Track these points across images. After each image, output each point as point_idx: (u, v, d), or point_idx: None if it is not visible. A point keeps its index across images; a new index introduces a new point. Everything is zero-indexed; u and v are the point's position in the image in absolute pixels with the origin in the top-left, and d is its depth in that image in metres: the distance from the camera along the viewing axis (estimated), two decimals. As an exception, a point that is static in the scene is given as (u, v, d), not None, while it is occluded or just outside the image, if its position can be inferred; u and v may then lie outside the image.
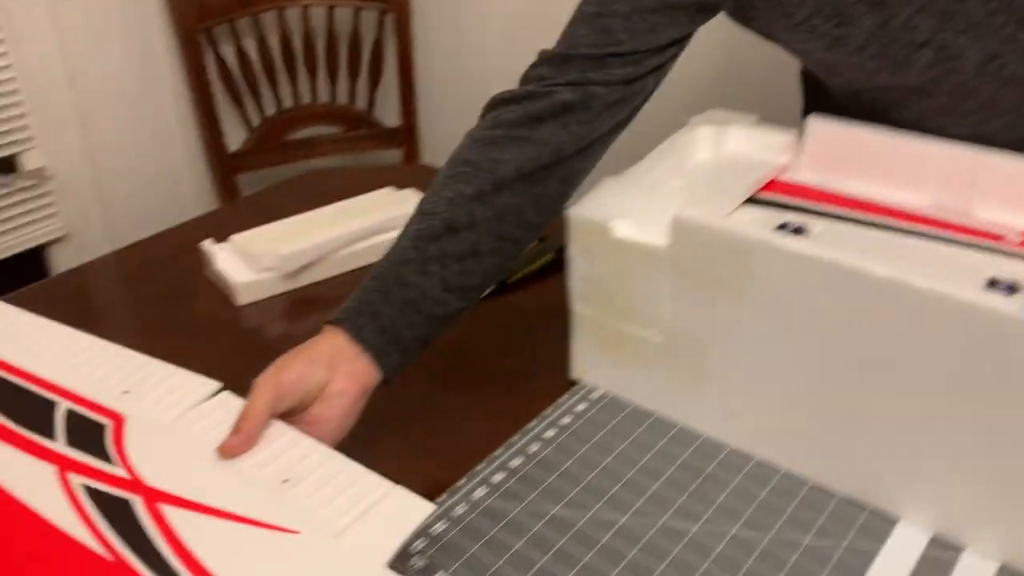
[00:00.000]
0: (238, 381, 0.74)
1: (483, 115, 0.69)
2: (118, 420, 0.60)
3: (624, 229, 0.63)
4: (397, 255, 0.65)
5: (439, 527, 0.59)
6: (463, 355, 0.77)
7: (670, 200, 0.65)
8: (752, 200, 0.69)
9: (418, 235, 0.64)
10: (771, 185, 0.71)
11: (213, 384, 0.63)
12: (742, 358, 0.61)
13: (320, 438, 0.59)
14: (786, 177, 0.72)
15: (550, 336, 0.78)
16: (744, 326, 0.60)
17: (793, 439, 0.62)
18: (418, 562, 0.56)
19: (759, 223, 0.63)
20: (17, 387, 0.64)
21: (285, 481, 0.55)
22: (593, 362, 0.71)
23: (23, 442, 0.59)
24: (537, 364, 0.76)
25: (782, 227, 0.63)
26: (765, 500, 0.60)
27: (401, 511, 0.53)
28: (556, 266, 0.90)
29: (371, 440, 0.63)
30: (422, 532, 0.58)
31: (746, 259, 0.57)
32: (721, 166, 0.74)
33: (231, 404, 0.60)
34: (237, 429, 0.57)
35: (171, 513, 0.53)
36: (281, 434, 0.58)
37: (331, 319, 0.63)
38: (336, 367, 0.61)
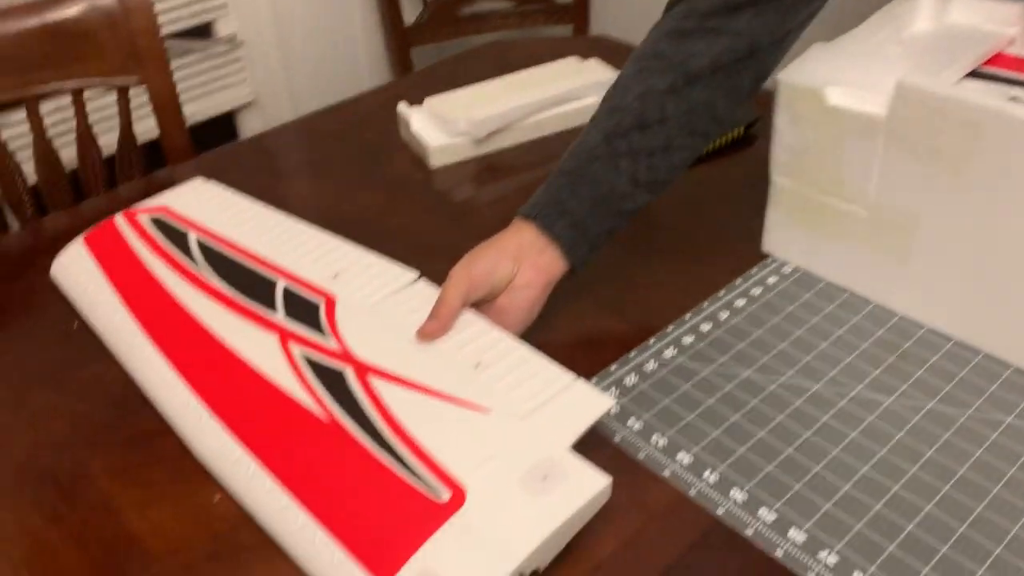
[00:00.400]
0: (431, 240, 0.79)
1: (670, 6, 0.67)
2: (329, 300, 0.65)
3: (838, 96, 0.62)
4: (586, 151, 0.65)
5: (630, 379, 0.62)
6: (654, 225, 0.78)
7: (887, 68, 0.62)
8: (975, 73, 0.65)
9: (608, 131, 0.64)
10: (997, 59, 0.67)
11: (412, 273, 0.67)
12: (955, 234, 0.59)
13: (507, 327, 0.62)
14: (1013, 51, 0.67)
15: (741, 209, 0.77)
16: (962, 201, 0.58)
17: (999, 322, 0.60)
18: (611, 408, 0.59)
19: (986, 96, 0.60)
20: (241, 265, 0.70)
21: (476, 365, 0.58)
22: (787, 236, 0.70)
23: (249, 313, 0.65)
24: (727, 236, 0.76)
25: (1013, 100, 0.59)
26: (965, 379, 0.60)
27: (582, 403, 0.56)
28: (746, 140, 0.89)
29: (564, 300, 0.66)
30: (615, 384, 0.61)
31: (975, 130, 0.55)
32: (942, 36, 0.69)
33: (428, 292, 0.63)
34: (434, 315, 0.60)
35: (378, 384, 0.58)
36: (473, 323, 0.62)
37: (520, 212, 0.65)
38: (524, 259, 0.63)
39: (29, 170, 0.97)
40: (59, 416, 0.61)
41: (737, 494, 0.53)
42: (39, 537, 0.53)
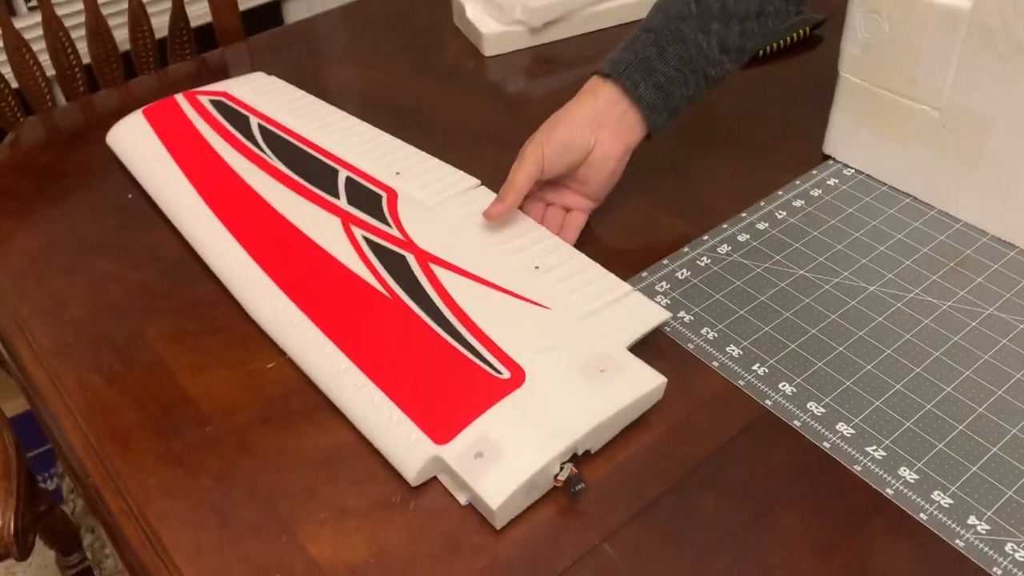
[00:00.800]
0: (483, 130, 0.77)
1: None
2: (392, 194, 0.65)
3: (919, -12, 0.59)
4: (675, 10, 0.62)
5: (682, 273, 0.61)
6: (713, 121, 0.76)
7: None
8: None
9: None
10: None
11: (473, 180, 0.66)
12: (1031, 138, 0.57)
13: (587, 196, 0.62)
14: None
15: (803, 111, 0.75)
16: (1043, 102, 0.55)
17: (1069, 231, 0.58)
18: (662, 300, 0.59)
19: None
20: (303, 151, 0.70)
21: (536, 268, 0.58)
22: (851, 137, 0.68)
23: (311, 195, 0.65)
24: (788, 137, 0.74)
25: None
26: (1027, 288, 0.58)
27: (638, 312, 0.55)
28: (811, 41, 0.86)
29: (619, 193, 0.65)
30: (667, 278, 0.61)
31: (1066, 24, 0.52)
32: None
33: (489, 198, 0.62)
34: (501, 197, 0.60)
35: (440, 272, 0.57)
36: (533, 228, 0.61)
37: (600, 71, 0.62)
38: (602, 126, 0.61)
39: (82, 49, 0.96)
40: (115, 283, 0.62)
41: (787, 387, 0.53)
42: (98, 393, 0.54)
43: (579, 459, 0.48)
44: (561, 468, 0.47)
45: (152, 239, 0.65)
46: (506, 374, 0.50)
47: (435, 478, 0.48)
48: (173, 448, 0.51)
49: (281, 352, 0.56)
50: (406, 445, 0.48)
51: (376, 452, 0.49)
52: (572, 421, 0.48)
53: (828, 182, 0.68)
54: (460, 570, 0.44)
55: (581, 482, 0.46)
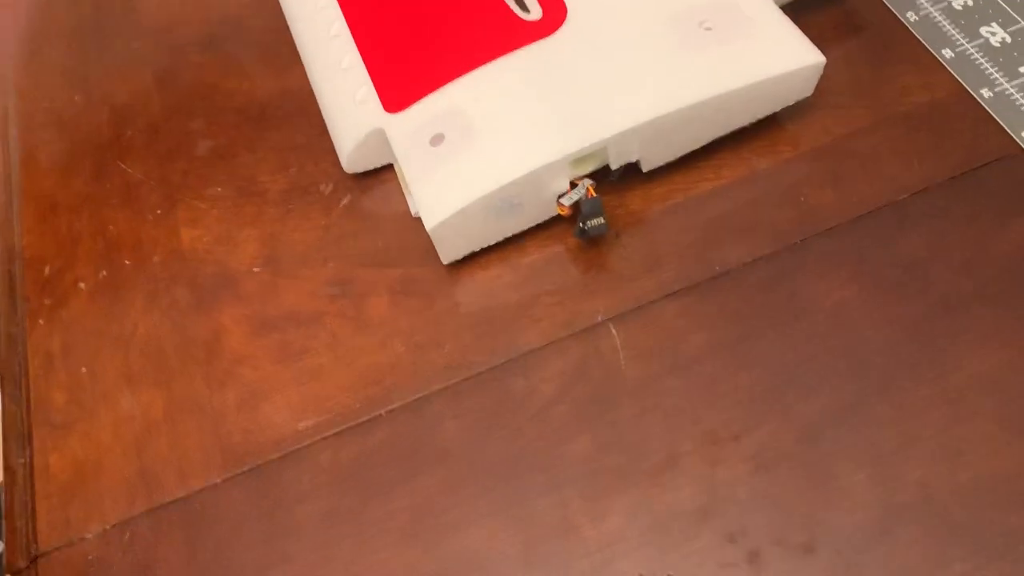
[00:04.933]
0: None
1: None
2: None
3: None
4: None
5: None
6: None
7: None
8: None
9: None
10: None
11: None
12: None
13: None
14: None
15: None
16: None
17: None
18: None
19: None
20: None
21: None
22: None
23: None
24: None
25: None
26: None
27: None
28: None
29: None
30: None
31: None
32: None
33: None
34: None
35: None
36: None
37: None
38: None
39: None
40: None
41: (1079, 114, 0.27)
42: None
43: (615, 180, 0.27)
44: (573, 187, 0.26)
45: None
46: (535, 12, 0.29)
47: (391, 168, 0.30)
48: (86, 63, 0.36)
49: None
50: (348, 105, 0.29)
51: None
52: (615, 104, 0.26)
53: None
54: (372, 309, 0.27)
55: (601, 215, 0.26)
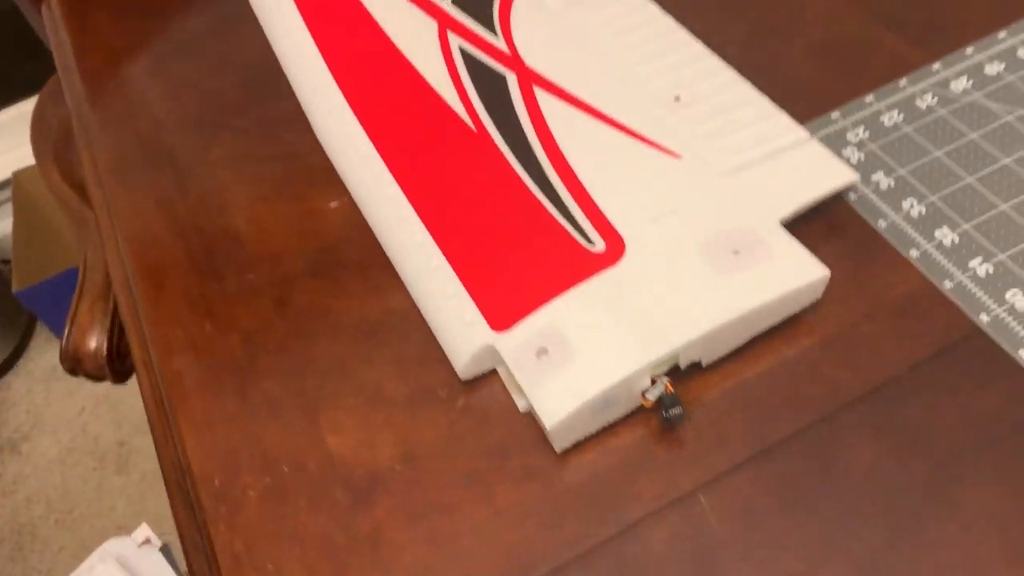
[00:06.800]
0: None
1: None
2: None
3: None
4: None
5: (890, 117, 0.43)
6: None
7: None
8: None
9: None
10: None
11: None
12: None
13: None
14: None
15: None
16: None
17: None
18: (852, 156, 0.42)
19: None
20: None
21: (676, 99, 0.42)
22: None
23: None
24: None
25: None
26: None
27: (812, 169, 0.39)
28: None
29: (821, -9, 0.47)
30: (866, 122, 0.43)
31: None
32: None
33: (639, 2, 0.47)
34: None
35: (544, 99, 0.43)
36: (685, 44, 0.45)
37: None
38: None
39: None
40: (190, 88, 0.54)
41: (1020, 298, 0.36)
42: (146, 221, 0.47)
43: (682, 374, 0.35)
44: (653, 383, 0.34)
45: (237, 42, 0.56)
46: (599, 245, 0.37)
47: (495, 372, 0.37)
48: (208, 294, 0.43)
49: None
50: (459, 326, 0.37)
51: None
52: (678, 319, 0.34)
53: None
54: (501, 495, 0.34)
55: (678, 405, 0.34)
